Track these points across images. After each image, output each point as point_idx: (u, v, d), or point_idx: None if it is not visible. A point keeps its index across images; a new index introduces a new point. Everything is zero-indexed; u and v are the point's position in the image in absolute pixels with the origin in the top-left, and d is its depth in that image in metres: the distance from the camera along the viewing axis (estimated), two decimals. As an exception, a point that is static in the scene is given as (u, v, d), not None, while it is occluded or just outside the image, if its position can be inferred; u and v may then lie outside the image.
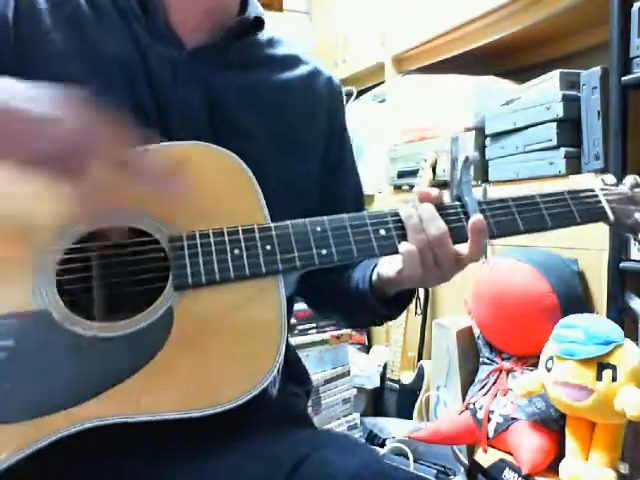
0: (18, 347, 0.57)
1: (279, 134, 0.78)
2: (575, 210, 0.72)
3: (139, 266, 0.62)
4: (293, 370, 0.84)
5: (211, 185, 0.65)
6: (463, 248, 0.67)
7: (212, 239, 0.62)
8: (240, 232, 0.63)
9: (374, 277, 0.75)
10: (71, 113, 0.54)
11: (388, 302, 0.75)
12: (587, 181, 0.75)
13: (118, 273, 0.62)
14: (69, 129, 0.54)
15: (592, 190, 0.74)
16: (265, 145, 0.77)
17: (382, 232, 0.67)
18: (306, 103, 0.83)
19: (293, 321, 0.88)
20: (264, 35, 0.82)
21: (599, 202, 0.73)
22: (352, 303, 0.79)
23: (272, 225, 0.64)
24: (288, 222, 0.65)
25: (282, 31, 0.86)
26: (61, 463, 0.58)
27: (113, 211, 0.58)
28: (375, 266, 0.75)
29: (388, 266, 0.71)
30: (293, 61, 0.84)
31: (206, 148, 0.66)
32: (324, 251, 0.64)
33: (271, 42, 0.83)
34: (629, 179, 0.76)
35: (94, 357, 0.58)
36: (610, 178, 0.77)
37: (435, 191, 0.69)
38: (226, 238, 0.62)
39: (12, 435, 0.54)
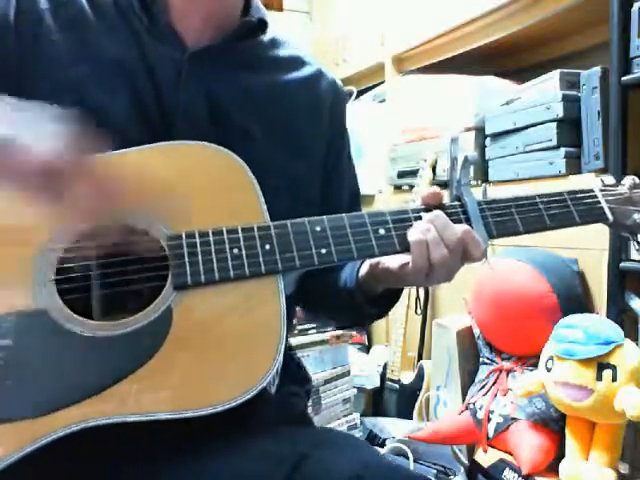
0: (16, 346, 0.57)
1: (282, 135, 0.78)
2: (574, 210, 0.72)
3: (138, 265, 0.62)
4: (292, 370, 0.84)
5: (210, 184, 0.65)
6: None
7: (211, 238, 0.62)
8: (239, 231, 0.62)
9: (361, 274, 0.74)
10: (43, 137, 0.55)
11: (376, 300, 0.75)
12: (587, 181, 0.74)
13: (117, 272, 0.62)
14: (39, 153, 0.54)
15: (591, 191, 0.74)
16: (268, 146, 0.76)
17: (381, 232, 0.66)
18: (309, 105, 0.82)
19: (294, 321, 0.87)
20: (267, 36, 0.81)
21: (598, 203, 0.73)
22: (340, 302, 0.78)
23: (271, 224, 0.64)
24: (287, 221, 0.64)
25: (284, 31, 0.85)
26: (58, 463, 0.58)
27: (112, 211, 0.58)
28: (362, 264, 0.75)
29: (389, 259, 0.70)
30: (297, 62, 0.84)
31: (205, 147, 0.66)
32: (324, 250, 0.64)
33: (274, 43, 0.82)
34: (628, 180, 0.76)
35: (92, 356, 0.58)
36: (609, 179, 0.77)
37: (437, 190, 0.69)
38: (225, 237, 0.62)
39: (9, 434, 0.54)
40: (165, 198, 0.63)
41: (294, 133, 0.80)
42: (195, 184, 0.65)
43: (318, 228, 0.65)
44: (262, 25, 0.80)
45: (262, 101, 0.77)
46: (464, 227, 0.66)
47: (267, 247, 0.63)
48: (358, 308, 0.76)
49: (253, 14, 0.79)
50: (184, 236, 0.62)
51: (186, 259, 0.61)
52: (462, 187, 0.70)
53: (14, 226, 0.60)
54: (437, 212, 0.67)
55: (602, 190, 0.74)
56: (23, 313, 0.58)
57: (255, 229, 0.63)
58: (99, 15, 0.72)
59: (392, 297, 0.77)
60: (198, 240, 0.61)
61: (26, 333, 0.57)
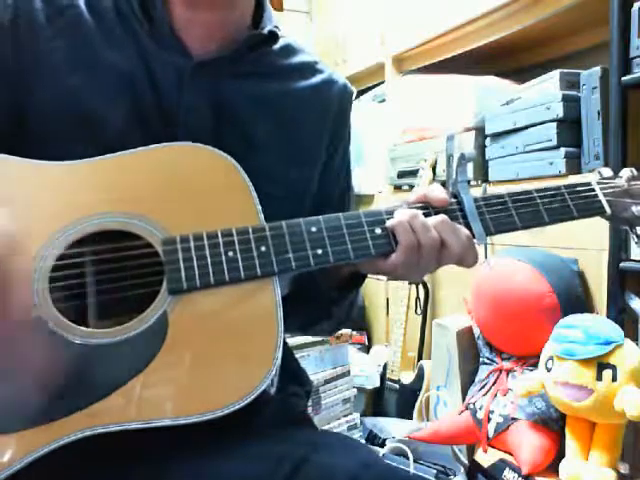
0: (11, 355, 0.56)
1: (287, 143, 0.77)
2: (572, 204, 0.71)
3: (133, 271, 0.61)
4: (292, 370, 0.84)
5: (205, 186, 0.64)
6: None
7: (206, 241, 0.61)
8: (234, 234, 0.62)
9: None
10: None
11: (341, 284, 0.74)
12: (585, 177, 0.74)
13: (111, 278, 0.61)
14: None
15: (589, 184, 0.73)
16: (272, 153, 0.75)
17: (378, 231, 0.66)
18: (318, 112, 0.81)
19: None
20: (279, 44, 0.80)
21: (596, 196, 0.72)
22: (302, 292, 0.75)
23: (266, 226, 0.63)
24: (283, 222, 0.64)
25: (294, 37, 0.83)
26: (56, 472, 0.57)
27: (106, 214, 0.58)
28: None
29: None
30: (307, 70, 0.82)
31: (200, 149, 0.65)
32: (319, 251, 0.63)
33: (285, 50, 0.81)
34: (625, 172, 0.74)
35: (88, 364, 0.57)
36: (607, 171, 0.76)
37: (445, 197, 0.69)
38: (220, 240, 0.61)
39: (8, 445, 0.53)
40: (159, 201, 0.63)
41: (300, 141, 0.79)
42: (189, 186, 0.64)
43: (314, 229, 0.64)
44: (273, 36, 0.78)
45: (268, 108, 0.76)
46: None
47: (262, 249, 0.62)
48: (320, 295, 0.75)
49: (265, 24, 0.77)
50: (178, 240, 0.61)
51: (181, 263, 0.60)
52: (459, 184, 0.69)
53: (19, 233, 0.59)
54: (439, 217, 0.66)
55: (599, 183, 0.73)
56: (21, 321, 0.57)
57: (250, 231, 0.62)
58: (99, 21, 0.70)
59: (356, 281, 0.76)
60: (193, 244, 0.61)
61: (22, 341, 0.57)
